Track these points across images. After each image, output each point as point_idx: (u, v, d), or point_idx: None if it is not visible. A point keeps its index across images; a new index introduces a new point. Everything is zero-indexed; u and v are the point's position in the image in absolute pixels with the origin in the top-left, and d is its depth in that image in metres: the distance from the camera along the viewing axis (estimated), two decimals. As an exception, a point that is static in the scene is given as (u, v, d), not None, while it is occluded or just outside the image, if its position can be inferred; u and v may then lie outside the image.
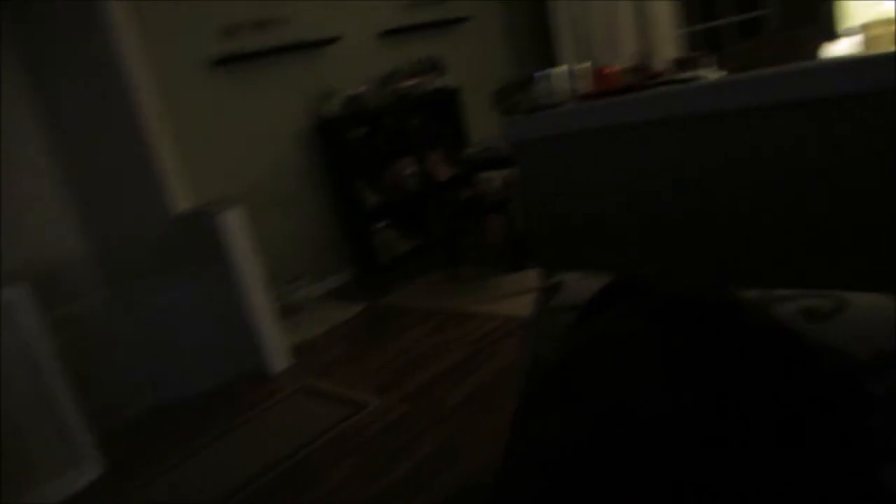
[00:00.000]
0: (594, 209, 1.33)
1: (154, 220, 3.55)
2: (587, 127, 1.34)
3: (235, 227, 3.35)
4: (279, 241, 4.43)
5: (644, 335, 0.59)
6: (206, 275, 3.52)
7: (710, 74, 2.06)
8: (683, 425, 0.54)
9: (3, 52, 3.30)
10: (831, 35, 3.19)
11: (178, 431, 3.13)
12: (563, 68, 2.40)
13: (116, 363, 3.49)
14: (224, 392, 3.45)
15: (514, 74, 5.53)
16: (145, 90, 3.48)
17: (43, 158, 3.39)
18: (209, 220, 3.37)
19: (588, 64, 2.96)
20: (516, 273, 4.11)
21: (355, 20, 4.91)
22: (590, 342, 0.62)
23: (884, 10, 2.95)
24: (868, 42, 2.76)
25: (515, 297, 3.74)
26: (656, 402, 0.55)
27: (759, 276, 1.01)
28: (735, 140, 1.09)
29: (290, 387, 3.34)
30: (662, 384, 0.56)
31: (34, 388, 2.74)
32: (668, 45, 5.21)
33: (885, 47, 2.56)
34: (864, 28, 2.83)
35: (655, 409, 0.55)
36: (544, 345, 0.75)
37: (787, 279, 0.87)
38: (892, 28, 2.65)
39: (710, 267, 1.10)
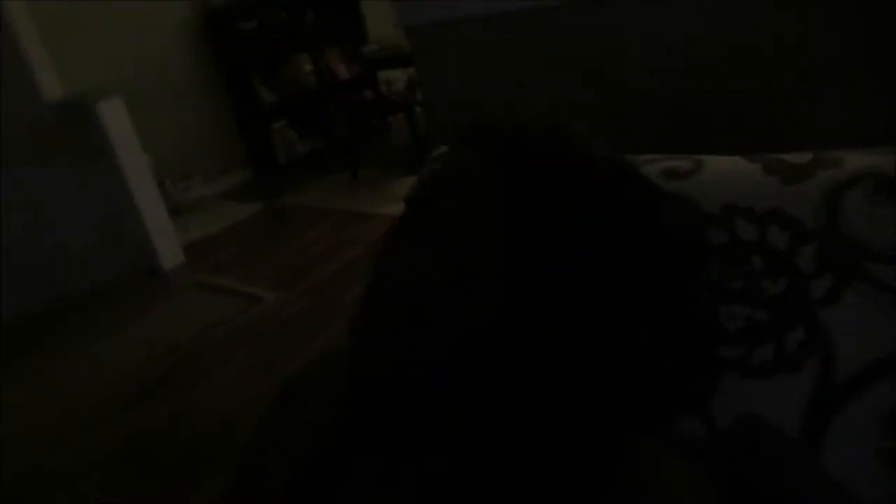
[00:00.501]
0: (495, 104, 1.32)
1: (22, 107, 3.24)
2: (487, 11, 1.32)
3: (116, 118, 3.14)
4: (168, 138, 4.18)
5: (483, 170, 0.62)
6: (89, 169, 3.30)
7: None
8: (520, 270, 0.58)
9: None
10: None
11: (66, 327, 3.01)
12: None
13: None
14: (115, 288, 3.33)
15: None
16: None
17: None
18: (86, 111, 3.12)
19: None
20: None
21: None
22: (437, 179, 0.65)
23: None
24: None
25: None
26: (494, 247, 0.59)
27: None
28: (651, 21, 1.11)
29: (182, 282, 3.27)
30: (499, 228, 0.59)
31: None
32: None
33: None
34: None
35: (493, 256, 0.59)
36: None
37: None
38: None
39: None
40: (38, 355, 2.80)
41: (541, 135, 0.63)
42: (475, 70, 1.39)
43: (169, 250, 3.42)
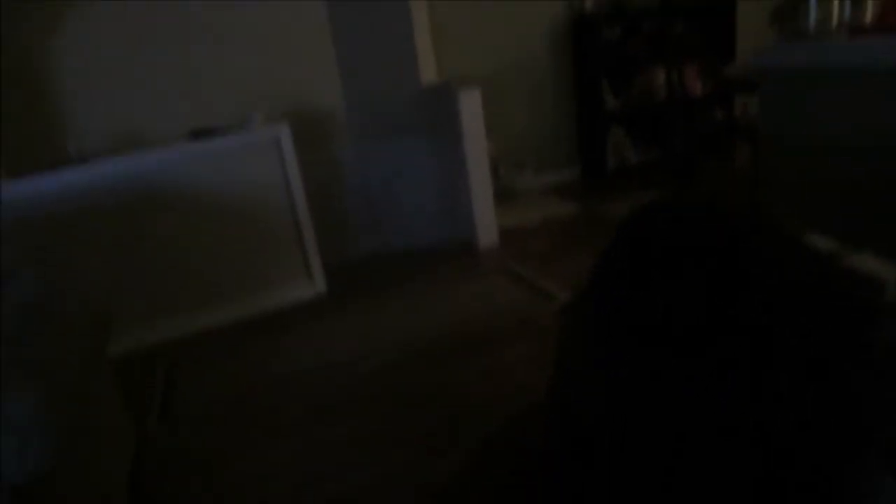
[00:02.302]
0: (832, 166, 1.18)
1: (402, 88, 3.84)
2: (844, 65, 1.18)
3: (471, 106, 3.51)
4: (512, 127, 4.54)
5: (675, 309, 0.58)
6: (438, 145, 3.79)
7: None
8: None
9: None
10: None
11: (390, 276, 3.55)
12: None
13: (351, 208, 3.98)
14: (435, 254, 3.80)
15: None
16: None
17: (323, 22, 3.79)
18: (449, 96, 3.56)
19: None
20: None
21: None
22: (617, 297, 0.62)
23: None
24: None
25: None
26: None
27: None
28: None
29: (491, 264, 3.56)
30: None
31: (287, 207, 3.28)
32: None
33: None
34: None
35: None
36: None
37: None
38: None
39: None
40: (367, 295, 3.35)
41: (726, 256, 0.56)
42: (812, 124, 1.26)
43: (487, 231, 3.76)
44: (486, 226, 3.77)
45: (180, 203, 3.11)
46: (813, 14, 1.73)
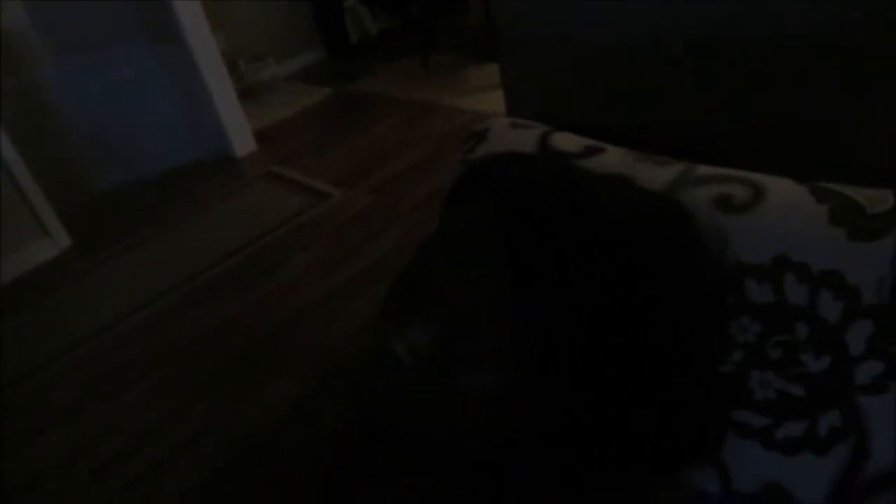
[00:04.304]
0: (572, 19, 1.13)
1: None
2: None
3: None
4: (241, 16, 4.11)
5: (486, 238, 0.59)
6: (163, 52, 3.31)
7: None
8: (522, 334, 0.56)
9: None
10: None
11: (143, 210, 3.17)
12: None
13: (76, 140, 3.41)
14: (189, 174, 3.44)
15: None
16: None
17: None
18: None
19: None
20: (494, 62, 3.92)
21: None
22: (440, 244, 0.62)
23: None
24: None
25: (486, 91, 3.61)
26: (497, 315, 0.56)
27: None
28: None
29: (253, 172, 3.34)
30: (505, 297, 0.57)
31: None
32: None
33: None
34: None
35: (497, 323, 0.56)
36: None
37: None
38: None
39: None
40: (119, 239, 2.98)
41: (550, 192, 0.58)
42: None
43: (241, 137, 3.48)
44: (238, 131, 3.47)
45: None
46: None
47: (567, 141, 0.88)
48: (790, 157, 0.82)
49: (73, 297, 2.66)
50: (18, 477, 1.85)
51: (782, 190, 0.71)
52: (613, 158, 0.82)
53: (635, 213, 0.63)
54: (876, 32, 0.73)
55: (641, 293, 0.60)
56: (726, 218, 0.70)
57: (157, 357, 2.19)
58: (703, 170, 0.76)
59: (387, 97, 3.86)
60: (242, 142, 3.48)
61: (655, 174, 0.77)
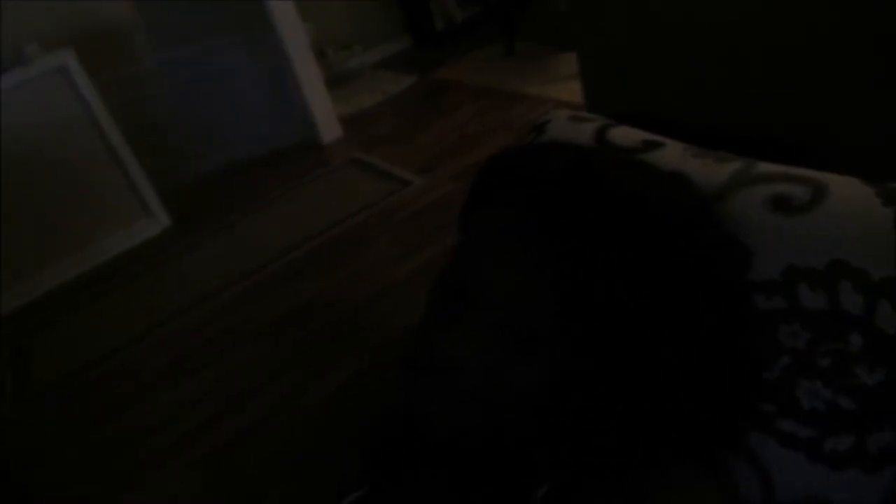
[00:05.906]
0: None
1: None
2: None
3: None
4: (330, 6, 4.22)
5: (521, 232, 0.60)
6: (255, 42, 3.46)
7: None
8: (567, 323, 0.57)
9: None
10: None
11: (235, 193, 3.35)
12: None
13: (175, 126, 3.63)
14: (277, 159, 3.60)
15: None
16: None
17: None
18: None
19: None
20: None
21: None
22: (475, 244, 0.62)
23: None
24: None
25: (570, 80, 3.55)
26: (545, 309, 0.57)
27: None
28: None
29: (338, 158, 3.44)
30: (546, 290, 0.57)
31: (99, 140, 2.93)
32: None
33: None
34: None
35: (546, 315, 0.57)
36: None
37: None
38: None
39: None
40: (214, 220, 3.16)
41: (561, 179, 0.59)
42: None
43: (327, 124, 3.58)
44: (325, 118, 3.58)
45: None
46: None
47: (625, 135, 0.86)
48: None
49: (172, 272, 2.85)
50: (121, 436, 2.02)
51: (846, 191, 0.67)
52: (672, 154, 0.80)
53: (645, 191, 0.64)
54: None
55: (669, 278, 0.60)
56: (782, 219, 0.67)
57: (245, 331, 2.31)
58: (764, 167, 0.73)
59: (470, 85, 3.87)
60: (329, 129, 3.60)
61: (712, 171, 0.74)
